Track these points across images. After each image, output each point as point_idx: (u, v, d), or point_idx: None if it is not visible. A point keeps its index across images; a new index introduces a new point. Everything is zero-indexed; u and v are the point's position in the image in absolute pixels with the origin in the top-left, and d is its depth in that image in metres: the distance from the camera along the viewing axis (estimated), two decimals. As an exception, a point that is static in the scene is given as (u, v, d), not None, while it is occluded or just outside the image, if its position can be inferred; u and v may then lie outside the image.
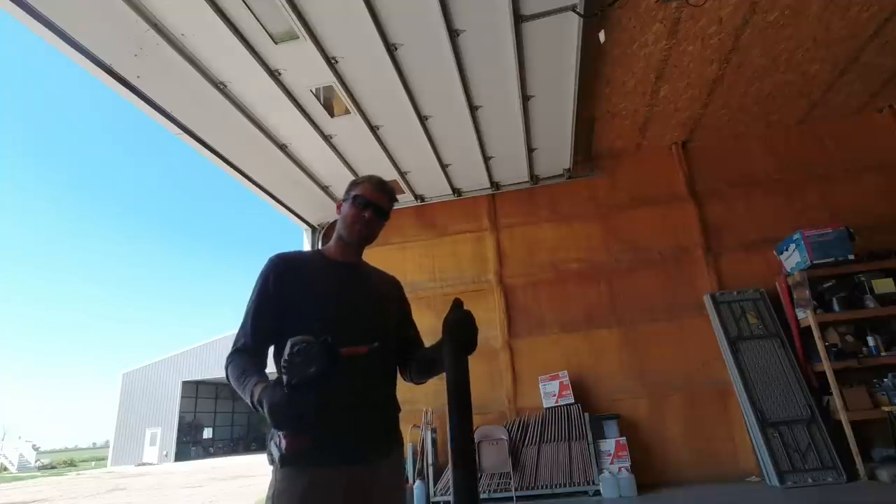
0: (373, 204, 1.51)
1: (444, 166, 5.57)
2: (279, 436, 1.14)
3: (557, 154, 5.62)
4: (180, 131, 4.37)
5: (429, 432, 5.28)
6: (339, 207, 1.57)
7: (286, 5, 3.24)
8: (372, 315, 1.46)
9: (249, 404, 1.17)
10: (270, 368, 1.35)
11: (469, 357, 1.28)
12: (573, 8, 3.51)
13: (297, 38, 3.55)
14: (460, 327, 1.29)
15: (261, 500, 7.49)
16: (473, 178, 6.01)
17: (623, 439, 4.89)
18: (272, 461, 1.25)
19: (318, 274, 1.45)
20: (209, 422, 30.55)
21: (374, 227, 1.54)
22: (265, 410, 1.08)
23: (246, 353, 1.31)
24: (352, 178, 6.30)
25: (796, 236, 4.86)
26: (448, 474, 5.03)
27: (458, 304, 1.35)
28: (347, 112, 4.47)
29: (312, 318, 1.34)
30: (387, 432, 1.44)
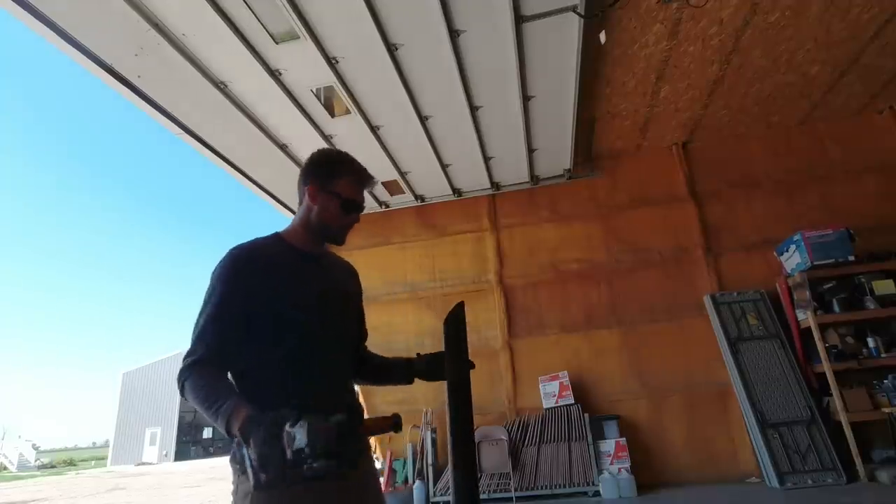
0: (360, 207, 1.37)
1: (444, 166, 5.57)
2: (256, 464, 0.93)
3: (558, 154, 5.62)
4: (181, 131, 4.37)
5: (429, 432, 5.28)
6: (311, 192, 1.33)
7: (287, 5, 3.24)
8: (343, 313, 1.38)
9: (222, 430, 1.00)
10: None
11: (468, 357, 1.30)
12: (574, 9, 3.50)
13: (298, 37, 3.55)
14: (453, 320, 1.30)
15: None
16: (474, 179, 6.01)
17: (623, 440, 4.89)
18: (244, 476, 1.10)
19: (287, 268, 1.28)
20: (209, 421, 30.57)
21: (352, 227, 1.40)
22: (252, 453, 0.91)
23: (206, 366, 1.11)
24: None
25: (797, 237, 4.86)
26: (448, 474, 5.03)
27: (457, 305, 1.36)
28: (348, 112, 4.47)
29: (283, 319, 1.21)
30: (360, 436, 1.35)
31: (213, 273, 1.22)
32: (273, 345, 1.21)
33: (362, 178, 1.37)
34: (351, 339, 1.43)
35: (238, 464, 1.12)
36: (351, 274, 1.50)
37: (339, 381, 1.33)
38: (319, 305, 1.29)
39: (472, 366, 1.32)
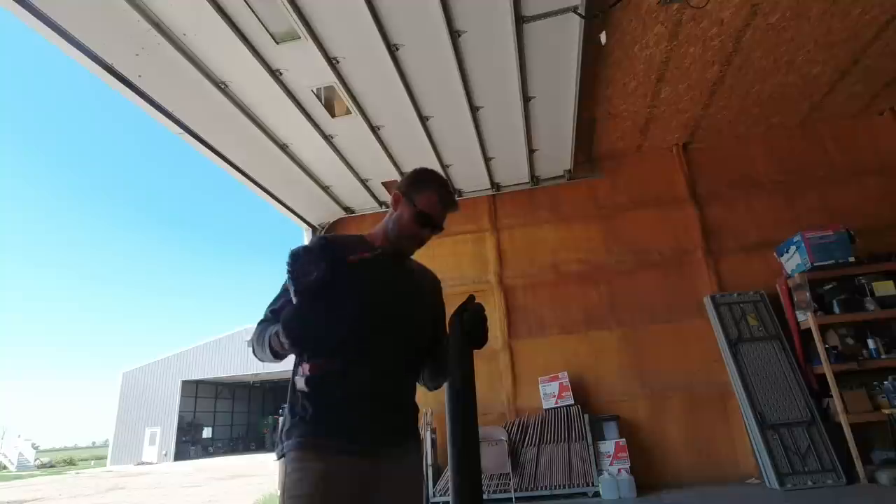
0: (436, 225, 1.42)
1: (444, 167, 5.57)
2: (301, 368, 1.22)
3: (558, 155, 5.62)
4: (181, 131, 4.37)
5: (429, 432, 5.28)
6: (395, 199, 1.43)
7: (287, 5, 3.24)
8: (410, 315, 1.38)
9: (270, 354, 1.21)
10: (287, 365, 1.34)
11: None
12: (574, 9, 3.51)
13: (299, 38, 3.55)
14: (471, 321, 1.27)
15: (260, 501, 7.49)
16: (474, 179, 6.01)
17: (623, 441, 4.89)
18: (281, 452, 1.23)
19: (367, 263, 1.35)
20: (209, 421, 30.49)
21: (425, 242, 1.46)
22: (282, 335, 1.13)
23: (268, 322, 1.30)
24: (353, 178, 6.15)
25: (797, 238, 4.86)
26: (448, 474, 5.02)
27: (470, 298, 1.33)
28: (348, 112, 4.47)
29: (353, 310, 1.26)
30: (404, 424, 1.36)
31: (296, 252, 1.25)
32: (336, 333, 1.24)
33: (445, 198, 1.42)
34: (413, 342, 1.39)
35: (277, 442, 1.25)
36: (429, 280, 1.55)
37: (398, 380, 1.34)
38: (393, 303, 1.34)
39: (484, 317, 1.30)
